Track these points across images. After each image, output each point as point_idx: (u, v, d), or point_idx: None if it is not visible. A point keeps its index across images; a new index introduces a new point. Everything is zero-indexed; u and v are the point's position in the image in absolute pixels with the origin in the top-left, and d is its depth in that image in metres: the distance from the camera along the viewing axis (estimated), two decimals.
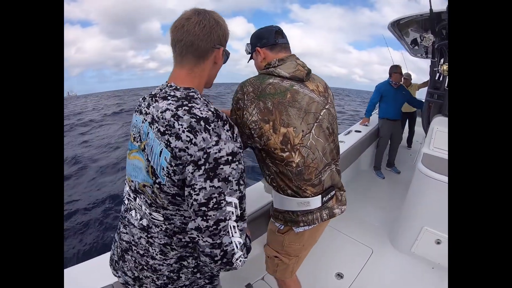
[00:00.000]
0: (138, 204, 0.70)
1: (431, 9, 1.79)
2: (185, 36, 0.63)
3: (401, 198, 2.00)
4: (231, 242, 0.57)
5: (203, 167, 0.54)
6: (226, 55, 0.74)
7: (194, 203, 0.55)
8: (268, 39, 0.99)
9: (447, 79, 1.80)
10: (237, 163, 0.58)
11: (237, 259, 0.59)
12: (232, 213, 0.57)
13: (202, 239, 0.56)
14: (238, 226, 0.59)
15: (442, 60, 2.13)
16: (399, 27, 2.60)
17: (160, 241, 0.67)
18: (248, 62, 1.11)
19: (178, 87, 0.65)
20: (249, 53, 1.07)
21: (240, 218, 0.59)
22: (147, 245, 0.69)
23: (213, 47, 0.66)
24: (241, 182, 0.59)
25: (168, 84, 0.67)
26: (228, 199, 0.56)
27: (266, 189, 1.09)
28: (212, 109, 0.59)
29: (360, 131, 2.93)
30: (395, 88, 2.94)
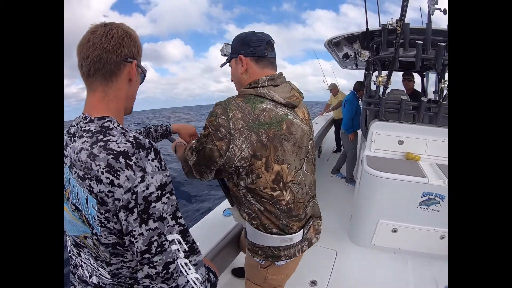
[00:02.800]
0: (85, 258, 0.62)
1: (367, 28, 2.06)
2: (91, 51, 0.54)
3: (349, 199, 2.17)
4: (188, 281, 0.51)
5: (135, 210, 0.47)
6: (143, 72, 0.64)
7: (136, 251, 0.49)
8: (255, 49, 0.84)
9: (381, 89, 2.05)
10: (168, 195, 0.50)
11: None
12: (179, 250, 0.51)
13: (156, 286, 0.50)
14: (190, 261, 0.52)
15: (376, 72, 2.40)
16: (334, 44, 2.92)
17: None
18: (221, 66, 0.95)
19: (92, 119, 0.55)
20: (225, 55, 0.91)
21: (190, 252, 0.52)
22: None
23: (124, 61, 0.57)
24: (178, 214, 0.52)
25: (83, 116, 0.57)
26: (170, 237, 0.50)
27: (236, 219, 1.00)
28: (131, 139, 0.50)
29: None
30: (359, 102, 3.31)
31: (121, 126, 0.55)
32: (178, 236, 0.51)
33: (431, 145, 2.09)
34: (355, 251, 2.12)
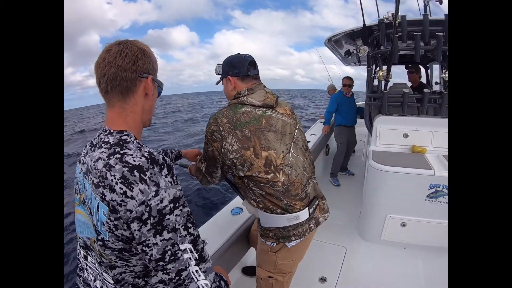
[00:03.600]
0: (91, 262, 0.64)
1: (364, 24, 2.04)
2: (107, 70, 0.57)
3: (358, 196, 2.16)
4: (198, 287, 0.55)
5: (149, 222, 0.50)
6: (159, 85, 0.67)
7: (151, 259, 0.52)
8: (240, 70, 1.02)
9: (383, 83, 2.04)
10: (181, 207, 0.54)
11: None
12: (190, 258, 0.55)
13: None
14: (201, 269, 0.56)
15: (377, 68, 2.38)
16: (334, 41, 2.89)
17: None
18: (216, 84, 1.14)
19: (111, 131, 0.59)
20: (219, 74, 1.09)
21: (200, 260, 0.56)
22: None
23: (139, 77, 0.60)
24: (189, 224, 0.55)
25: (104, 128, 0.61)
26: (182, 247, 0.54)
27: (249, 210, 1.11)
28: (146, 154, 0.54)
29: (309, 141, 3.21)
30: (348, 97, 3.26)
31: (137, 140, 0.59)
32: (190, 246, 0.55)
33: (437, 136, 2.07)
34: (365, 247, 2.11)
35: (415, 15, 2.15)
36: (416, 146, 2.07)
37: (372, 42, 2.06)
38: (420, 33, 1.89)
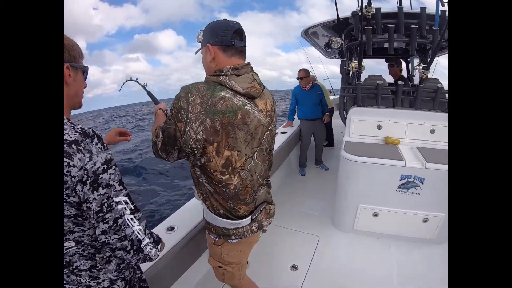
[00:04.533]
0: None
1: (338, 16, 2.02)
2: None
3: (334, 186, 2.19)
4: (133, 232, 0.67)
5: (87, 182, 0.60)
6: (82, 70, 0.70)
7: (92, 213, 0.62)
8: (222, 38, 0.85)
9: (356, 75, 2.05)
10: (113, 168, 0.64)
11: (145, 245, 0.69)
12: (125, 208, 0.66)
13: (110, 238, 0.65)
14: (135, 217, 0.68)
15: (352, 59, 2.36)
16: (312, 34, 2.83)
17: (86, 266, 0.70)
18: (195, 53, 1.00)
19: None
20: (200, 42, 0.95)
21: (135, 210, 0.68)
22: (77, 278, 0.70)
23: None
24: (122, 181, 0.66)
25: None
26: (116, 199, 0.64)
27: (196, 197, 1.09)
28: (78, 130, 0.61)
29: (286, 132, 3.27)
30: (306, 90, 3.14)
31: (70, 121, 0.64)
32: (125, 198, 0.66)
33: (410, 128, 2.09)
34: (338, 236, 2.14)
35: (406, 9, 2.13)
36: (389, 137, 2.08)
37: (347, 34, 2.05)
38: (394, 26, 1.89)
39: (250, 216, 0.99)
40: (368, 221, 2.02)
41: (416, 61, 3.34)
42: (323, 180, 3.16)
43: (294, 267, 1.85)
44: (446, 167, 1.71)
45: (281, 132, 3.25)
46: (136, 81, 1.30)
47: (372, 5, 1.87)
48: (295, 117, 3.47)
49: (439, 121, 2.03)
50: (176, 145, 0.85)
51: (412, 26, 1.87)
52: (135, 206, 0.68)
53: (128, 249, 0.67)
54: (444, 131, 2.03)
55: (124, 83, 1.35)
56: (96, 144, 0.63)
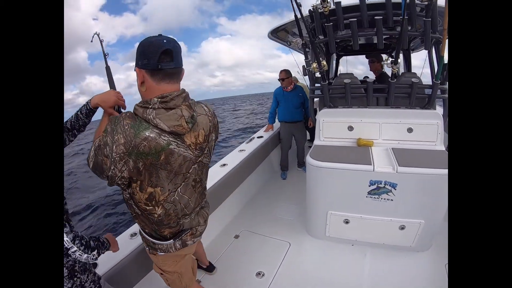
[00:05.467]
0: None
1: (295, 15, 1.86)
2: None
3: None
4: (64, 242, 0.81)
5: None
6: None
7: None
8: (149, 61, 0.77)
9: (323, 75, 1.93)
10: None
11: (73, 252, 0.83)
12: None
13: None
14: (65, 232, 0.82)
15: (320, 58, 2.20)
16: (280, 35, 2.67)
17: None
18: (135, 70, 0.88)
19: None
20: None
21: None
22: None
23: None
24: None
25: None
26: None
27: None
28: None
29: (262, 136, 3.19)
30: (287, 92, 2.97)
31: None
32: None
33: (385, 128, 1.93)
34: (309, 243, 2.04)
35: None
36: (361, 139, 1.94)
37: (311, 32, 1.95)
38: (356, 19, 1.76)
39: (172, 240, 1.01)
40: (339, 228, 1.90)
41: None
42: (304, 183, 3.05)
43: (260, 274, 1.79)
44: (420, 170, 1.56)
45: (258, 137, 3.16)
46: (101, 42, 1.17)
47: (331, 0, 1.76)
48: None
49: (417, 119, 1.86)
50: (103, 175, 0.82)
51: (376, 17, 1.72)
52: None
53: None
54: (423, 129, 1.86)
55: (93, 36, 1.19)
56: None
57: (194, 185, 0.98)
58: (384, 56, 2.89)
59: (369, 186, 1.70)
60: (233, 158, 2.60)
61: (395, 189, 1.66)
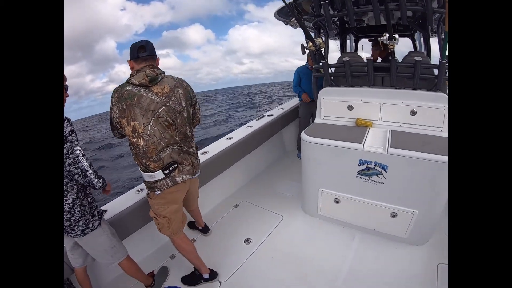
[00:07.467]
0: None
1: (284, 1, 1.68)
2: None
3: None
4: (83, 165, 1.24)
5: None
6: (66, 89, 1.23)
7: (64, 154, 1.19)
8: (133, 55, 1.30)
9: (319, 54, 1.87)
10: (74, 134, 1.25)
11: (90, 174, 1.27)
12: (78, 151, 1.24)
13: (72, 167, 1.22)
14: (84, 158, 1.26)
15: (322, 37, 2.14)
16: (284, 15, 2.47)
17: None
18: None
19: None
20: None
21: (84, 155, 1.27)
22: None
23: None
24: (78, 141, 1.27)
25: None
26: (75, 148, 1.22)
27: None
28: (65, 118, 1.17)
29: (272, 115, 3.16)
30: (311, 70, 2.82)
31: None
32: (79, 148, 1.23)
33: (386, 109, 1.86)
34: (302, 219, 2.11)
35: None
36: (360, 119, 1.91)
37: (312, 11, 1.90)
38: None
39: (161, 170, 1.34)
40: (330, 207, 1.94)
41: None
42: None
43: (248, 241, 1.93)
44: (414, 154, 1.49)
45: (268, 115, 3.18)
46: None
47: None
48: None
49: (421, 101, 1.73)
50: (112, 124, 1.35)
51: None
52: (83, 154, 1.24)
53: (80, 173, 1.22)
54: (428, 112, 1.73)
55: None
56: (66, 123, 1.18)
57: (167, 125, 1.32)
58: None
59: (359, 165, 1.69)
60: (239, 133, 2.73)
61: (386, 172, 1.62)
